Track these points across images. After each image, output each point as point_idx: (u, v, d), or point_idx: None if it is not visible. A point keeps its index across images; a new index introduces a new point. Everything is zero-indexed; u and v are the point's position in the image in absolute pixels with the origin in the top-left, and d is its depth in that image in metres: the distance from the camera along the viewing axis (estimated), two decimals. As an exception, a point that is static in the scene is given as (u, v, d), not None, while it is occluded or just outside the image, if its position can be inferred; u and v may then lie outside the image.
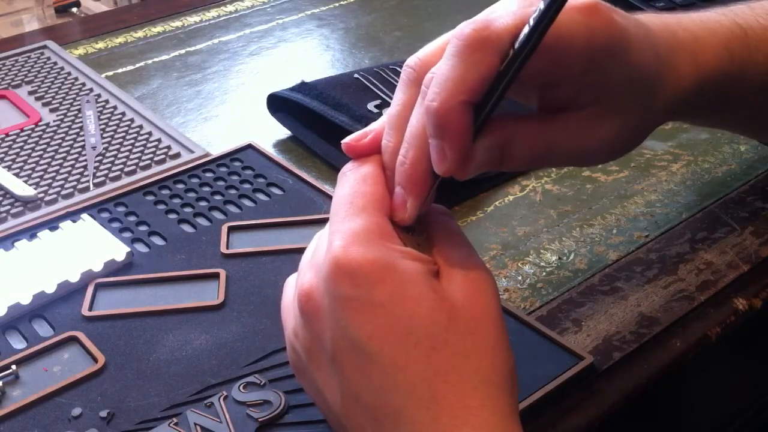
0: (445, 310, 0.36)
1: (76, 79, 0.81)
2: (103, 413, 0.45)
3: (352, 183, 0.40)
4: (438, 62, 0.39)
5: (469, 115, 0.37)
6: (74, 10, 2.40)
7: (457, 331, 0.36)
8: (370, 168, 0.41)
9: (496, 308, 0.38)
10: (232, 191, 0.64)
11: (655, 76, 0.44)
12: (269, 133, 0.73)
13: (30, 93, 0.79)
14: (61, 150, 0.70)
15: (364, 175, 0.41)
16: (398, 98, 0.41)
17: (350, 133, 0.43)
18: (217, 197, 0.63)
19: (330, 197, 0.60)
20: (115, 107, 0.76)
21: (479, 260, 0.39)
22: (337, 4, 1.00)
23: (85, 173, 0.67)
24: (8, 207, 0.63)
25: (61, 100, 0.78)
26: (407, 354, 0.35)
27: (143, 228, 0.60)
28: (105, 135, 0.72)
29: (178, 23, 0.96)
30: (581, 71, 0.40)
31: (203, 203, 0.63)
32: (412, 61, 0.42)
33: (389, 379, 0.35)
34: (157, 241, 0.59)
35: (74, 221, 0.60)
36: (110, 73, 0.85)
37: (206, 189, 0.64)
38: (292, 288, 0.43)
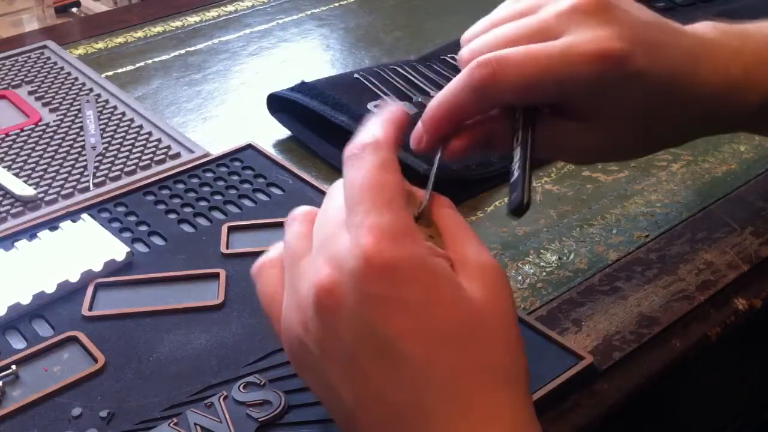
0: (473, 310, 0.36)
1: (76, 79, 0.81)
2: (103, 413, 0.46)
3: (371, 169, 0.38)
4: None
5: (450, 125, 0.46)
6: (74, 10, 2.40)
7: (485, 330, 0.36)
8: (387, 154, 0.39)
9: (513, 307, 0.38)
10: (232, 191, 0.64)
11: (678, 95, 0.48)
12: (269, 133, 0.73)
13: (30, 93, 0.79)
14: (61, 150, 0.70)
15: (382, 162, 0.38)
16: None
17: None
18: (217, 197, 0.63)
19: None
20: (115, 107, 0.76)
21: (490, 255, 0.39)
22: (337, 4, 1.00)
23: (85, 173, 0.67)
24: (8, 207, 0.63)
25: (61, 100, 0.78)
26: (438, 353, 0.35)
27: (143, 228, 0.60)
28: (105, 135, 0.72)
29: (178, 23, 0.96)
30: (583, 105, 0.46)
31: (203, 203, 0.63)
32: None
33: (419, 378, 0.35)
34: (157, 241, 0.59)
35: (74, 221, 0.60)
36: (110, 73, 0.85)
37: (206, 189, 0.64)
38: (273, 276, 0.41)
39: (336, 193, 0.40)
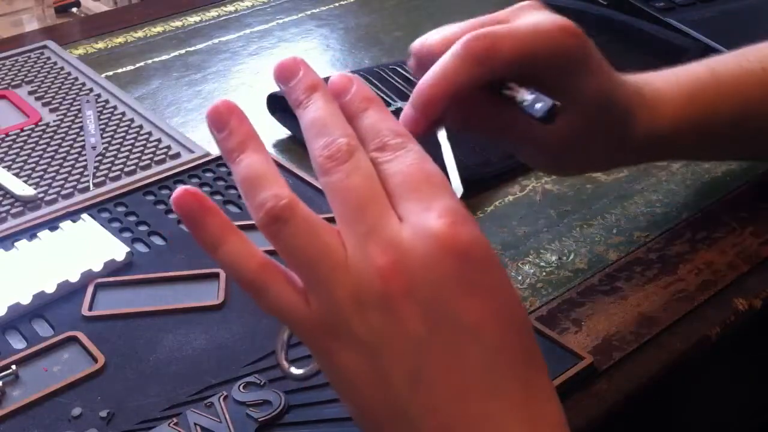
0: (519, 298, 0.38)
1: (76, 79, 0.81)
2: (103, 413, 0.46)
3: (418, 159, 0.37)
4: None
5: (446, 103, 0.44)
6: (74, 10, 2.40)
7: (527, 318, 0.38)
8: (420, 147, 0.39)
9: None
10: (232, 191, 0.64)
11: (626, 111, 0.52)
12: (269, 133, 0.73)
13: (30, 93, 0.79)
14: (61, 150, 0.70)
15: (422, 151, 0.38)
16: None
17: None
18: (217, 197, 0.63)
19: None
20: (115, 107, 0.76)
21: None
22: (337, 4, 1.00)
23: (85, 173, 0.67)
24: (8, 207, 0.63)
25: (61, 100, 0.78)
26: (508, 337, 0.36)
27: (143, 228, 0.60)
28: (105, 135, 0.72)
29: (178, 23, 0.96)
30: (555, 77, 0.47)
31: (203, 203, 0.63)
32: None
33: (490, 361, 0.35)
34: (157, 241, 0.59)
35: (74, 221, 0.60)
36: (110, 73, 0.85)
37: (206, 189, 0.64)
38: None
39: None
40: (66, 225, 0.60)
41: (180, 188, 0.39)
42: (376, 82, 0.75)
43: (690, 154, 0.63)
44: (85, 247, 0.57)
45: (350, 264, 0.36)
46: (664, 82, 0.55)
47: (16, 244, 0.58)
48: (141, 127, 0.73)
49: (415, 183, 0.36)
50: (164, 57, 0.89)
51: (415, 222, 0.35)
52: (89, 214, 0.61)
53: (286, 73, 0.42)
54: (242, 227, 0.59)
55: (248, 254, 0.38)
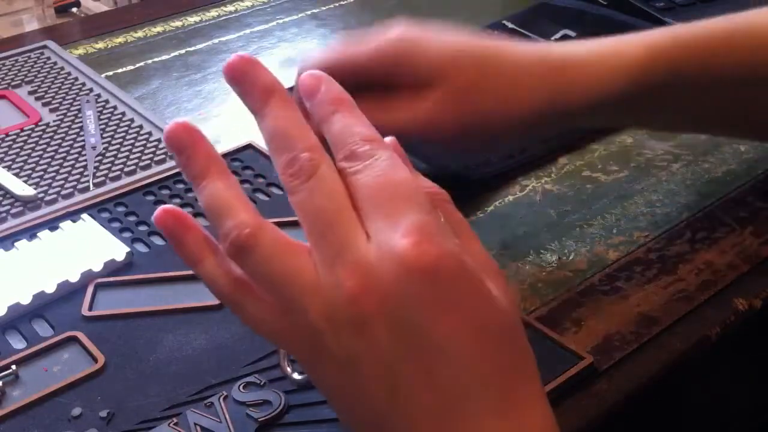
0: (503, 309, 0.36)
1: (76, 79, 0.81)
2: (103, 413, 0.46)
3: (385, 167, 0.36)
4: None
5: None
6: (74, 10, 2.40)
7: (511, 325, 0.37)
8: (390, 152, 0.38)
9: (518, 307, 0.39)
10: (232, 191, 0.64)
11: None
12: (269, 133, 0.73)
13: (30, 93, 0.79)
14: (61, 150, 0.70)
15: (394, 159, 0.37)
16: None
17: None
18: (217, 197, 0.63)
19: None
20: (115, 107, 0.76)
21: (487, 253, 0.39)
22: (337, 4, 1.00)
23: (85, 173, 0.67)
24: (8, 207, 0.63)
25: (61, 100, 0.78)
26: (482, 350, 0.35)
27: (143, 228, 0.60)
28: (105, 135, 0.72)
29: (178, 23, 0.96)
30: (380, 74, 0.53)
31: (203, 203, 0.63)
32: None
33: (466, 376, 0.35)
34: (157, 241, 0.59)
35: (74, 221, 0.60)
36: (110, 73, 0.85)
37: (206, 189, 0.64)
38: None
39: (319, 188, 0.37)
40: (66, 225, 0.60)
41: (160, 208, 0.39)
42: (376, 82, 0.74)
43: (641, 121, 0.62)
44: (85, 247, 0.57)
45: (321, 285, 0.36)
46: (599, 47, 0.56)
47: (16, 244, 0.58)
48: (141, 127, 0.73)
49: (383, 198, 0.36)
50: (164, 57, 0.89)
51: (382, 241, 0.35)
52: (89, 214, 0.61)
53: (236, 74, 0.40)
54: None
55: (223, 272, 0.39)
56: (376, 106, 0.48)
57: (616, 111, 0.56)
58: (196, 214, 0.61)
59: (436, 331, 0.35)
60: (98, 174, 0.67)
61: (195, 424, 0.44)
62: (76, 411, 0.46)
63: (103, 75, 0.83)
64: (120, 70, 0.86)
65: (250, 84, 0.40)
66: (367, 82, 0.52)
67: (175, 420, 0.45)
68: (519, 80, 0.54)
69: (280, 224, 0.58)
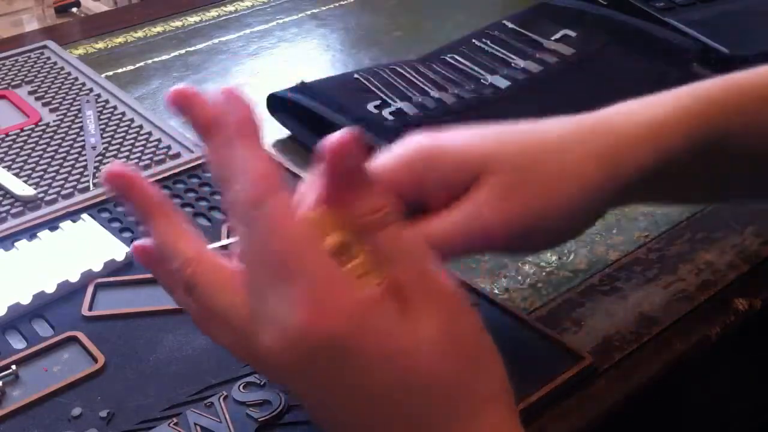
0: (421, 350, 0.34)
1: (76, 79, 0.81)
2: (103, 413, 0.46)
3: (264, 230, 0.34)
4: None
5: None
6: (74, 10, 2.40)
7: (435, 373, 0.35)
8: (281, 195, 0.35)
9: (477, 321, 0.36)
10: (232, 191, 0.64)
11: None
12: (269, 133, 0.73)
13: (30, 93, 0.79)
14: (61, 150, 0.70)
15: (274, 213, 0.34)
16: None
17: None
18: (217, 197, 0.63)
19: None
20: (115, 107, 0.76)
21: (439, 272, 0.36)
22: (337, 4, 1.00)
23: (85, 173, 0.67)
24: (8, 207, 0.63)
25: (61, 100, 0.78)
26: (394, 410, 0.34)
27: (143, 228, 0.60)
28: (105, 135, 0.72)
29: (178, 23, 0.96)
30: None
31: (203, 203, 0.63)
32: None
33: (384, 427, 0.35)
34: (157, 241, 0.59)
35: (74, 221, 0.60)
36: (110, 73, 0.85)
37: (206, 189, 0.64)
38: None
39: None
40: (66, 225, 0.60)
41: (134, 244, 0.41)
42: (376, 82, 0.75)
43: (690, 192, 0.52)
44: (85, 247, 0.57)
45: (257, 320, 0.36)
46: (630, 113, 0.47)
47: (16, 244, 0.58)
48: (141, 127, 0.73)
49: (267, 273, 0.34)
50: (164, 57, 0.89)
51: (274, 319, 0.34)
52: (89, 214, 0.61)
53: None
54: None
55: (189, 302, 0.39)
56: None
57: (679, 168, 0.46)
58: (195, 214, 0.61)
59: (337, 403, 0.35)
60: (98, 174, 0.67)
61: (195, 424, 0.44)
62: (76, 411, 0.46)
63: (103, 75, 0.83)
64: (120, 70, 0.86)
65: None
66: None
67: (175, 420, 0.45)
68: (567, 150, 0.45)
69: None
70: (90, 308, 0.53)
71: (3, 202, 0.64)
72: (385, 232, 0.35)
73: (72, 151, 0.70)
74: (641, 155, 0.45)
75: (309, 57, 0.88)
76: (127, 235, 0.59)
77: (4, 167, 0.68)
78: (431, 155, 0.44)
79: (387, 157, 0.44)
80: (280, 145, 0.72)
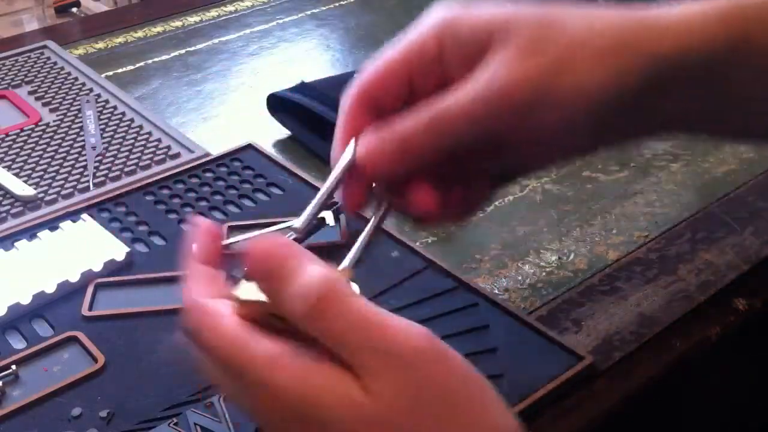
0: (401, 415, 0.32)
1: (76, 79, 0.81)
2: (103, 413, 0.45)
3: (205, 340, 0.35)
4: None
5: None
6: (74, 10, 2.40)
7: (420, 421, 0.32)
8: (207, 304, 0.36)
9: (449, 370, 0.33)
10: (232, 191, 0.64)
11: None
12: (269, 133, 0.73)
13: (30, 93, 0.79)
14: (61, 150, 0.70)
15: (205, 321, 0.35)
16: None
17: None
18: (217, 197, 0.63)
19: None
20: (115, 107, 0.76)
21: (396, 329, 0.32)
22: (337, 4, 1.00)
23: (85, 173, 0.67)
24: (8, 207, 0.63)
25: (61, 100, 0.78)
26: None
27: (143, 228, 0.60)
28: (105, 135, 0.72)
29: (178, 23, 0.96)
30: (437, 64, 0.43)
31: (203, 203, 0.63)
32: None
33: None
34: (157, 241, 0.59)
35: (74, 221, 0.60)
36: (110, 73, 0.85)
37: (206, 189, 0.64)
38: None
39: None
40: (66, 225, 0.60)
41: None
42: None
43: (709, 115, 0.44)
44: (85, 247, 0.57)
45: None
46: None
47: (16, 244, 0.58)
48: (141, 127, 0.73)
49: (212, 360, 0.35)
50: (164, 57, 0.89)
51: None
52: (89, 214, 0.61)
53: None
54: (243, 226, 0.60)
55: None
56: (433, 101, 0.41)
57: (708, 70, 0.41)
58: (195, 215, 0.61)
59: None
60: (98, 174, 0.67)
61: (195, 424, 0.44)
62: (76, 411, 0.46)
63: (103, 75, 0.83)
64: (120, 70, 0.86)
65: None
66: (421, 82, 0.44)
67: (175, 420, 0.45)
68: (592, 20, 0.41)
69: (279, 224, 0.57)
70: (90, 308, 0.53)
71: (3, 202, 0.64)
72: (322, 318, 0.33)
73: (72, 151, 0.70)
74: (666, 42, 0.40)
75: (309, 57, 0.88)
76: (127, 235, 0.59)
77: (4, 167, 0.68)
78: (449, 25, 0.42)
79: (409, 35, 0.44)
80: (280, 145, 0.72)
